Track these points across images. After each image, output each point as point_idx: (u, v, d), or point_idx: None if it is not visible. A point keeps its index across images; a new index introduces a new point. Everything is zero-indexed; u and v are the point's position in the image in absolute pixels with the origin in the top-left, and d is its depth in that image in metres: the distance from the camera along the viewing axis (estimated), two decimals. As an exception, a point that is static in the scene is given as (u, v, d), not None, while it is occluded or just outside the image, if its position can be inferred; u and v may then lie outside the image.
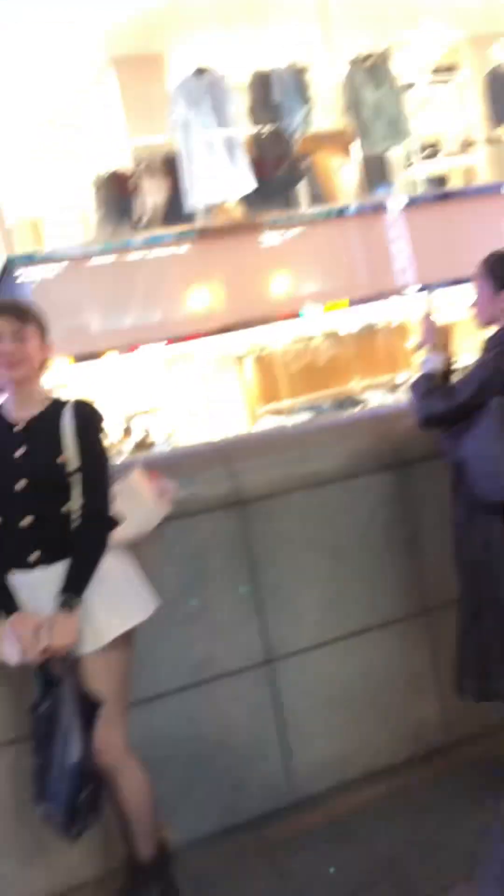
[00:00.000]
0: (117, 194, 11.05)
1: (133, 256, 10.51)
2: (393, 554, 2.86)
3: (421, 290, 8.87)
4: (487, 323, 2.54)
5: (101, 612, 2.08)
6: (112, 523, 2.16)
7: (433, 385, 2.52)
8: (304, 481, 2.75)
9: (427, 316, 2.64)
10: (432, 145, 10.47)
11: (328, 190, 9.55)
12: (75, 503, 2.09)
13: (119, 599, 2.15)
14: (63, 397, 2.22)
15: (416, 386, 2.58)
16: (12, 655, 2.07)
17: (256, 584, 2.68)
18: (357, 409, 7.95)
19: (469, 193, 9.70)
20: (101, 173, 11.13)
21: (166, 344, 10.87)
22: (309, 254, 9.57)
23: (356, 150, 9.30)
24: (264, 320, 9.75)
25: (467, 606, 2.54)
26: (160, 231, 10.15)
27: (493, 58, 9.94)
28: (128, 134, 11.57)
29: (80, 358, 10.67)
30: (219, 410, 11.09)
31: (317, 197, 9.52)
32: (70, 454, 2.09)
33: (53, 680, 2.03)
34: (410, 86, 9.51)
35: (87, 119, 12.76)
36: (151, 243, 10.07)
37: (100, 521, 2.13)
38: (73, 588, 2.04)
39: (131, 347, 10.85)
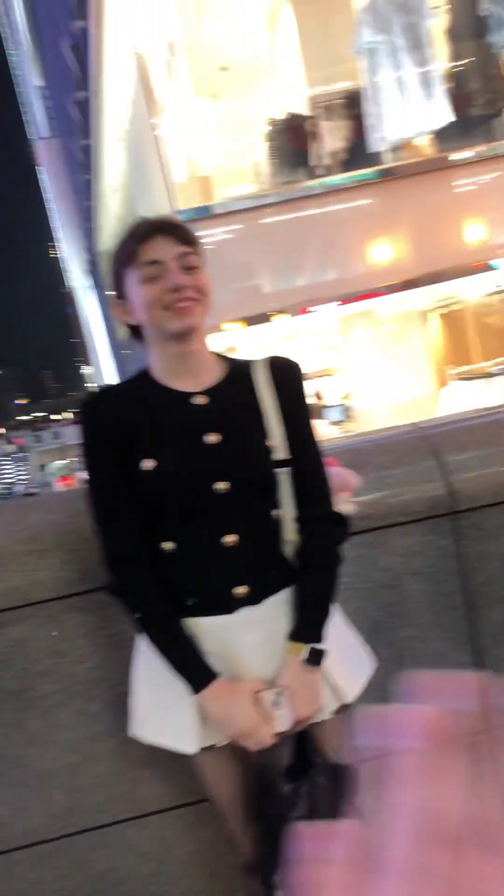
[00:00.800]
0: (292, 143, 10.35)
1: (307, 210, 9.84)
2: None
3: None
4: None
5: (335, 661, 1.45)
6: (346, 532, 1.50)
7: None
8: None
9: None
10: None
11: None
12: (287, 508, 1.45)
13: (348, 642, 1.55)
14: (238, 356, 1.53)
15: None
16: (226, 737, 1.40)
17: (476, 624, 1.97)
18: None
19: None
20: (275, 120, 10.46)
21: (339, 304, 10.17)
22: (507, 197, 8.47)
23: None
24: (453, 274, 8.77)
25: None
26: (338, 177, 9.37)
27: None
28: (305, 80, 10.78)
29: (251, 322, 10.19)
30: (401, 372, 10.25)
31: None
32: (277, 435, 1.43)
33: (298, 765, 1.42)
34: None
35: (261, 66, 12.07)
36: (328, 190, 9.32)
37: (334, 532, 1.47)
38: (314, 633, 1.39)
39: (302, 309, 10.23)
